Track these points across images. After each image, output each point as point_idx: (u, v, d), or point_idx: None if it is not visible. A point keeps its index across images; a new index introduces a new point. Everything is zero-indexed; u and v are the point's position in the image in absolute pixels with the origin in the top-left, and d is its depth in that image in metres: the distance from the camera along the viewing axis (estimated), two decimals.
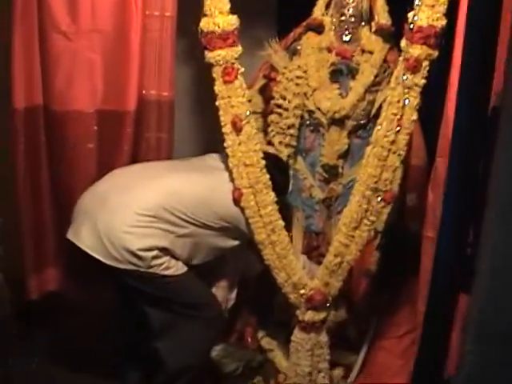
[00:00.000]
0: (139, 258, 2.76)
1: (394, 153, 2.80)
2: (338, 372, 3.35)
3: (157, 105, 3.15)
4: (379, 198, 2.86)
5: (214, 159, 3.10)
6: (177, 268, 2.86)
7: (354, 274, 3.29)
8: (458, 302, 2.71)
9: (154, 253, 2.78)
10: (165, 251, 2.82)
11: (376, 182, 2.83)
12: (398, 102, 2.73)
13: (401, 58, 2.74)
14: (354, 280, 3.33)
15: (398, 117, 2.74)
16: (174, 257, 2.86)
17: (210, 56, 2.80)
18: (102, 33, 2.99)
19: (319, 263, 3.14)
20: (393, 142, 2.77)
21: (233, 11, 2.78)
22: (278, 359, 3.37)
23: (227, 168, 2.92)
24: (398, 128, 2.75)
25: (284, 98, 3.18)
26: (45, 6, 2.93)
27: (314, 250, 3.35)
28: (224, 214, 2.91)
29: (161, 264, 2.81)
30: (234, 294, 3.23)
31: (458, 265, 2.60)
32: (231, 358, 3.36)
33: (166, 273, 2.83)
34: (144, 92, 3.12)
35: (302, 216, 3.33)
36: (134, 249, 2.74)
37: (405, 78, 2.70)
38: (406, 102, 2.72)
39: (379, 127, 2.79)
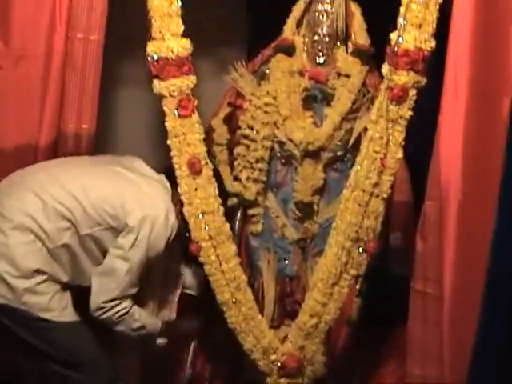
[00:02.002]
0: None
1: (377, 196, 2.61)
2: None
3: (75, 139, 2.82)
4: (361, 249, 2.64)
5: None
6: (59, 313, 2.47)
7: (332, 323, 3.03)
8: None
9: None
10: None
11: (357, 232, 2.63)
12: (381, 138, 2.53)
13: (383, 87, 2.57)
14: (332, 330, 3.07)
15: (381, 155, 2.54)
16: (62, 296, 2.49)
17: (161, 86, 2.59)
18: None
19: (294, 311, 2.96)
20: (375, 185, 2.58)
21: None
22: None
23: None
24: (381, 168, 2.54)
25: (252, 128, 3.02)
26: None
27: (288, 296, 3.12)
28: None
29: (36, 303, 2.43)
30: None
31: None
32: None
33: (45, 316, 2.45)
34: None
35: (274, 259, 3.12)
36: None
37: (388, 109, 2.50)
38: (391, 137, 2.53)
39: (359, 167, 2.61)
